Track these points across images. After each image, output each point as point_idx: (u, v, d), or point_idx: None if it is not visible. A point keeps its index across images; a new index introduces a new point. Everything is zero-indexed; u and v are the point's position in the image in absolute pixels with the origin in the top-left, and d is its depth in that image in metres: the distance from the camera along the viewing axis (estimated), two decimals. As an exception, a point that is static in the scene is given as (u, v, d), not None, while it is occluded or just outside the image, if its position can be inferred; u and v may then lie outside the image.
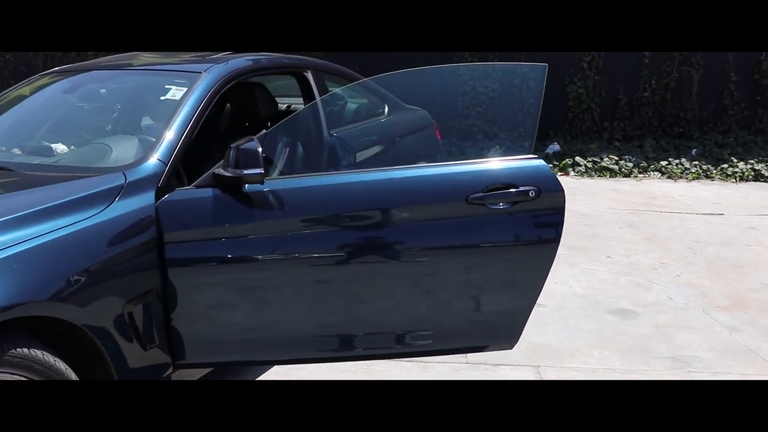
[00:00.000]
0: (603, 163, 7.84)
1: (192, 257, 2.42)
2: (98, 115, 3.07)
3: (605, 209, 6.18)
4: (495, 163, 2.65)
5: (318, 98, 3.58)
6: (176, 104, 2.75)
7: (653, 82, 8.97)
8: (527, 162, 2.60)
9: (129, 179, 2.38)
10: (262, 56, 3.47)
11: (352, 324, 2.56)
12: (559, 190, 2.57)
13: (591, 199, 6.60)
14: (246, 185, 2.39)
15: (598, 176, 7.72)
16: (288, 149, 3.60)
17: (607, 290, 4.14)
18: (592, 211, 6.10)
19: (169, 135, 2.58)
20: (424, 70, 3.20)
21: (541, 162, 2.60)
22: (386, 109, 4.29)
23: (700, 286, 4.24)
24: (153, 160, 2.48)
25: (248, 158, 2.30)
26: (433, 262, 2.54)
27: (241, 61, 3.16)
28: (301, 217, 2.43)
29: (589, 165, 7.86)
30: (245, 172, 2.30)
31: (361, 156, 3.72)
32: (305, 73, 3.60)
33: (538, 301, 3.94)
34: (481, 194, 2.47)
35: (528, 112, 3.27)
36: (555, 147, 8.50)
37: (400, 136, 4.26)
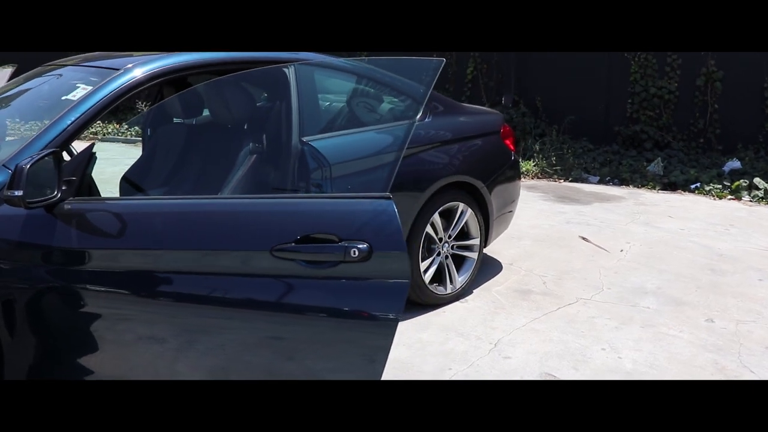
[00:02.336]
0: (790, 189, 6.06)
1: (10, 283, 2.04)
2: (22, 115, 2.84)
3: (759, 250, 4.68)
4: (322, 202, 1.88)
5: (294, 98, 3.00)
6: (66, 106, 2.40)
7: None
8: (364, 203, 1.80)
9: (-49, 190, 2.07)
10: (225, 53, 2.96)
11: None
12: (401, 250, 1.72)
13: (748, 233, 5.07)
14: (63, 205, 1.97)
15: (781, 204, 5.98)
16: (254, 157, 3.09)
17: (670, 371, 2.98)
18: (736, 251, 4.65)
19: (34, 142, 2.23)
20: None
21: (386, 205, 1.77)
22: (420, 110, 3.53)
23: (823, 385, 2.87)
24: (-6, 170, 2.14)
25: (16, 178, 1.84)
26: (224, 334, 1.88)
27: (178, 58, 2.71)
28: (90, 248, 1.92)
29: (772, 189, 6.13)
30: (15, 193, 1.84)
31: (344, 169, 3.06)
32: (285, 69, 3.04)
33: (554, 375, 3.10)
34: (292, 245, 1.74)
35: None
36: (734, 164, 6.80)
37: (430, 145, 3.48)
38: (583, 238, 4.96)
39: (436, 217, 3.52)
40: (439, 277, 3.67)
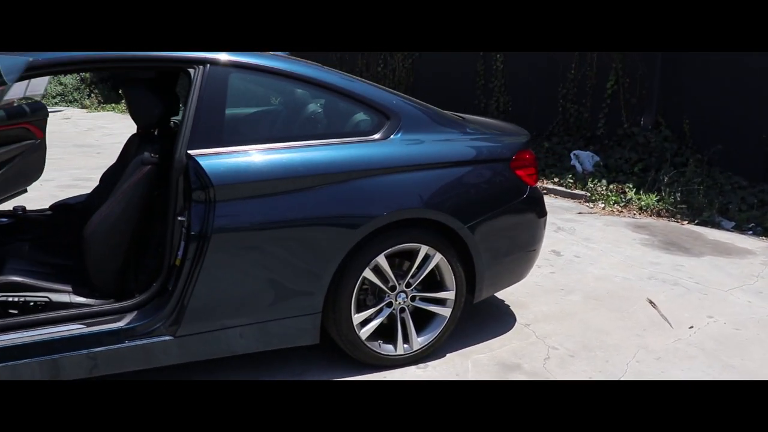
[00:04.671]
0: None
1: None
2: None
3: None
4: None
5: (192, 103, 2.51)
6: None
7: None
8: None
9: None
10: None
11: None
12: None
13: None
14: None
15: None
16: (147, 168, 2.62)
17: None
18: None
19: None
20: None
21: None
22: (384, 126, 2.84)
23: None
24: None
25: None
26: None
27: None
28: None
29: None
30: None
31: (235, 193, 2.47)
32: (191, 70, 2.55)
33: None
34: None
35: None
36: None
37: (378, 170, 2.75)
38: (651, 303, 3.78)
39: (382, 261, 2.76)
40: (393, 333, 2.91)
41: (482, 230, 2.94)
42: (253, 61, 2.65)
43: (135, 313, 2.52)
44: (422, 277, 2.89)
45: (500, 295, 3.80)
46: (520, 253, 3.19)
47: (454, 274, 2.93)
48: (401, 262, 2.91)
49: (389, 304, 2.87)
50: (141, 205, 2.63)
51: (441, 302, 2.97)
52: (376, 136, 2.80)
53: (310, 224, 2.58)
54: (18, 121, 4.29)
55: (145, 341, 2.47)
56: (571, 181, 6.75)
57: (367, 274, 2.74)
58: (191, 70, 2.54)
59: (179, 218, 2.50)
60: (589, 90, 7.73)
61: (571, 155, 7.23)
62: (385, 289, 2.84)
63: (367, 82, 2.94)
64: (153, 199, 2.68)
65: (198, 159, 2.43)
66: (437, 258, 2.87)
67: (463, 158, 2.95)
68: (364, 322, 2.82)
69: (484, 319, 3.46)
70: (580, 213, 5.95)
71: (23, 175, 4.35)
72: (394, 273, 2.85)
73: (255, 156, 2.53)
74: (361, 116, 2.84)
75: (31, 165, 4.47)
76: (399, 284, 2.86)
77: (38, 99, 4.62)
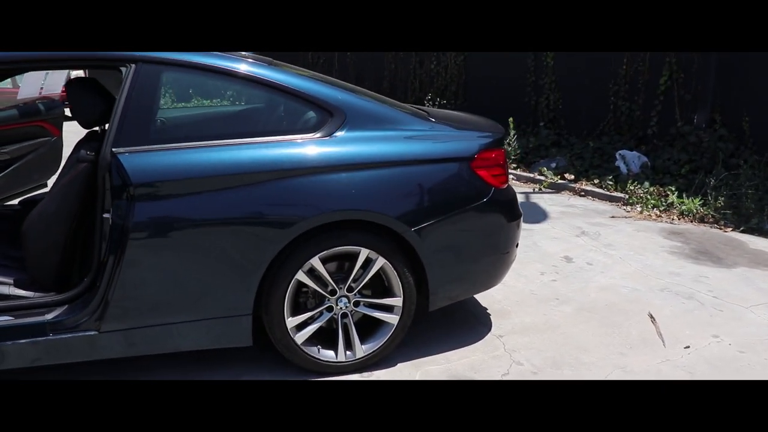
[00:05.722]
0: None
1: None
2: None
3: None
4: None
5: (121, 101, 2.50)
6: None
7: None
8: None
9: None
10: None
11: None
12: None
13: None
14: None
15: None
16: (83, 166, 2.62)
17: None
18: None
19: None
20: None
21: None
22: (326, 122, 2.72)
23: None
24: None
25: None
26: None
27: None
28: None
29: None
30: None
31: (156, 191, 2.42)
32: (123, 68, 2.53)
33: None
34: None
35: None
36: None
37: (315, 169, 2.62)
38: (651, 317, 3.42)
39: (317, 263, 2.62)
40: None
41: (433, 234, 2.74)
42: (185, 58, 2.57)
43: (65, 307, 2.53)
44: (365, 281, 2.73)
45: (484, 301, 3.56)
46: (485, 258, 2.96)
47: (401, 280, 2.75)
48: (351, 266, 2.77)
49: (329, 309, 2.73)
50: (78, 201, 2.63)
51: (388, 309, 2.79)
52: (317, 134, 2.66)
53: (234, 224, 2.48)
54: (33, 119, 4.49)
55: (70, 335, 2.47)
56: (611, 182, 6.31)
57: (301, 276, 2.61)
58: (123, 69, 2.51)
59: (104, 215, 2.48)
60: (641, 86, 7.20)
61: (617, 155, 6.76)
62: (324, 293, 2.70)
63: (314, 77, 2.81)
64: (94, 195, 2.69)
65: (120, 157, 2.39)
66: (380, 262, 2.70)
67: (413, 157, 2.76)
68: (302, 326, 2.70)
69: (455, 326, 3.25)
70: (612, 217, 5.53)
71: (39, 170, 4.56)
72: (338, 277, 2.72)
73: (180, 154, 2.46)
74: (301, 113, 2.71)
75: (47, 161, 4.67)
76: (340, 288, 2.72)
77: (55, 98, 4.78)
